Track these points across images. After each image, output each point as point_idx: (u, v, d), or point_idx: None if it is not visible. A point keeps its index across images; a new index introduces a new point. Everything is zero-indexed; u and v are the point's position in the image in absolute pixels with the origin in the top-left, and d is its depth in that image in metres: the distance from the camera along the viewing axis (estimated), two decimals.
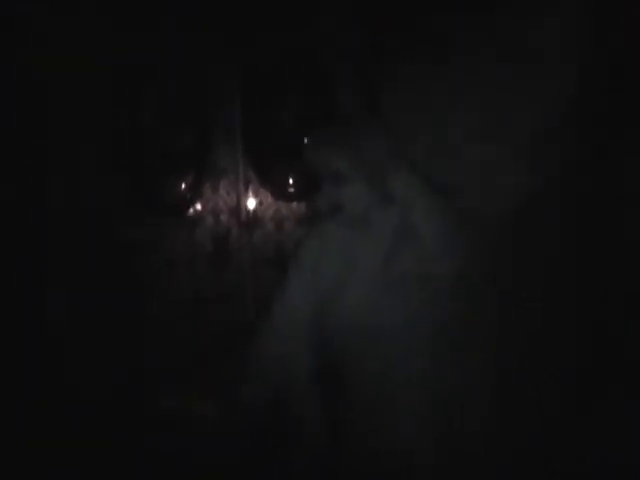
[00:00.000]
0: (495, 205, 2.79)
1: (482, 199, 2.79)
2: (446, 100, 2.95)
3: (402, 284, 1.83)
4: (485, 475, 1.88)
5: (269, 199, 3.24)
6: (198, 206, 3.10)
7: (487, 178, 2.81)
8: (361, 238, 1.91)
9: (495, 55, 2.87)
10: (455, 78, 2.93)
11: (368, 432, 1.88)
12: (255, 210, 3.22)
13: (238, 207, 3.20)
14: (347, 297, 1.88)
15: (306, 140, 1.90)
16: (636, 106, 2.66)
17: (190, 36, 2.99)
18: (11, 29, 2.40)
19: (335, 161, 1.84)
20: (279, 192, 3.24)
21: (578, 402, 2.52)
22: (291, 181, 3.21)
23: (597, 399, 2.48)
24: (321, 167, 1.88)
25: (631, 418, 2.31)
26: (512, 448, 2.05)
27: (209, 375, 2.77)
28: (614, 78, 2.72)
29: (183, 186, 3.03)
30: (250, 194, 3.22)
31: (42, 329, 2.43)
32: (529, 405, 2.47)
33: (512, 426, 2.07)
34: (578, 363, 2.69)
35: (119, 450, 2.52)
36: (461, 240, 1.83)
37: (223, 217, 3.18)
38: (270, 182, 3.21)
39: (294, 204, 3.27)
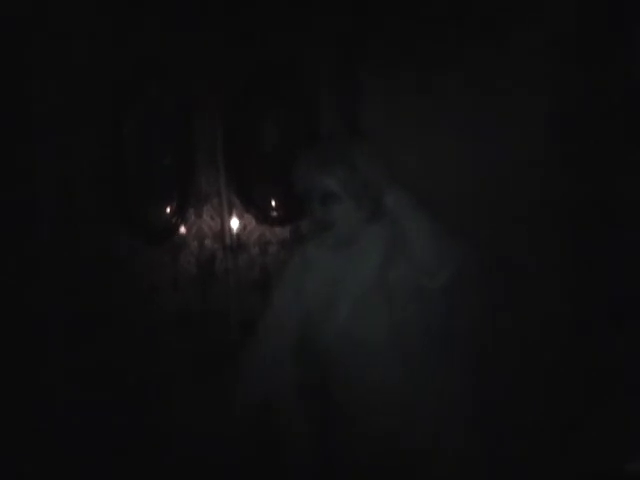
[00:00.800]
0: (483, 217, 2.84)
1: (471, 211, 2.83)
2: (430, 116, 3.00)
3: (389, 303, 1.85)
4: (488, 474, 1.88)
5: (253, 223, 3.26)
6: (182, 231, 3.10)
7: (472, 190, 2.86)
8: (348, 257, 1.94)
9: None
10: (438, 94, 2.99)
11: (357, 447, 1.88)
12: (239, 234, 3.23)
13: (222, 232, 3.20)
14: (333, 317, 1.90)
15: (292, 161, 1.93)
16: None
17: (170, 62, 3.00)
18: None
19: (323, 180, 1.86)
20: (263, 216, 3.27)
21: (575, 413, 2.54)
22: (274, 205, 3.24)
23: (596, 408, 2.50)
24: (309, 186, 1.90)
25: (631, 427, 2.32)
26: (505, 458, 2.07)
27: (194, 396, 2.76)
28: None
29: (167, 211, 3.03)
30: (234, 218, 3.23)
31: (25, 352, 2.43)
32: (521, 415, 2.49)
33: (504, 437, 2.09)
34: (573, 373, 2.72)
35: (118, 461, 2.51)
36: (450, 255, 1.84)
37: (207, 242, 3.18)
38: (254, 206, 3.24)
39: (278, 228, 3.29)
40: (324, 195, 1.88)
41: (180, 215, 3.07)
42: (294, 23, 3.18)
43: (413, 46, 3.13)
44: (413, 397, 1.86)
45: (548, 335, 2.92)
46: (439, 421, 1.87)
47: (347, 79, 3.27)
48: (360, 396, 1.89)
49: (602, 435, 2.48)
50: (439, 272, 1.85)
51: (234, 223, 3.23)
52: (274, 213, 3.28)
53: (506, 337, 2.26)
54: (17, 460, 2.26)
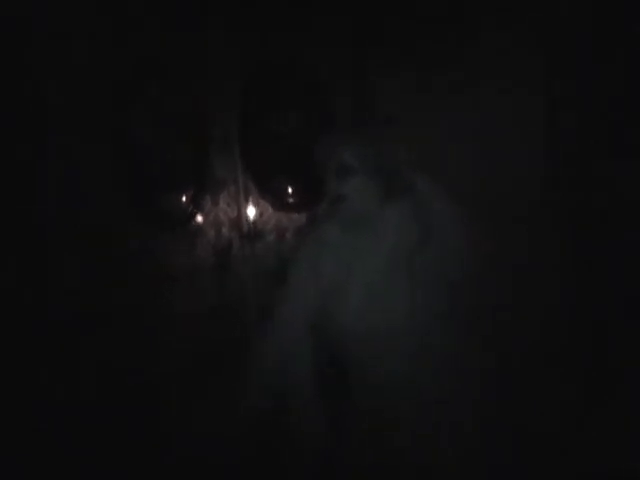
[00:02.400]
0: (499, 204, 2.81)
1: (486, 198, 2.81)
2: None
3: (408, 286, 1.82)
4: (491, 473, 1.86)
5: (270, 210, 3.24)
6: (199, 219, 3.09)
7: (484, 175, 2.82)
8: (364, 239, 1.91)
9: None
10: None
11: (373, 435, 1.86)
12: (256, 221, 3.21)
13: (239, 219, 3.19)
14: (350, 302, 1.87)
15: (310, 143, 1.93)
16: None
17: (187, 49, 3.00)
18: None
19: (339, 153, 1.85)
20: (279, 203, 3.24)
21: (580, 408, 2.51)
22: (291, 191, 3.22)
23: (599, 405, 2.47)
24: (325, 160, 1.88)
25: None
26: (518, 447, 2.04)
27: (211, 386, 2.76)
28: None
29: (184, 199, 3.03)
30: (250, 206, 3.22)
31: (40, 340, 2.44)
32: (521, 414, 2.46)
33: (518, 425, 2.06)
34: (573, 373, 2.69)
35: (118, 461, 2.51)
36: (467, 235, 1.82)
37: (224, 229, 3.17)
38: (270, 193, 3.22)
39: (295, 214, 3.27)
40: (339, 168, 1.87)
41: (196, 203, 3.07)
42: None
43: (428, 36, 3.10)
44: (429, 382, 1.84)
45: (548, 335, 2.90)
46: (460, 404, 1.84)
47: (362, 65, 3.24)
48: (377, 382, 1.87)
49: (602, 435, 2.46)
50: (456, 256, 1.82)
51: (251, 210, 3.21)
52: (291, 200, 3.26)
53: (506, 337, 2.23)
54: (17, 460, 2.27)
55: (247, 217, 3.20)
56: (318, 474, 1.97)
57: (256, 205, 3.23)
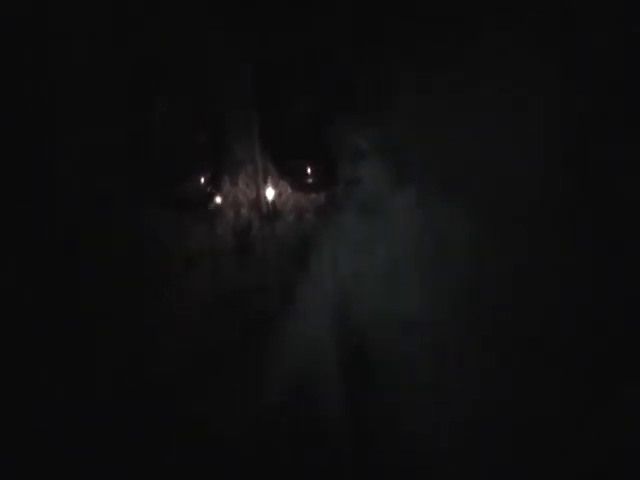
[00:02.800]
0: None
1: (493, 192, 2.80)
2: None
3: (421, 269, 1.82)
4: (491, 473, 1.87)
5: (288, 190, 3.23)
6: (218, 200, 3.10)
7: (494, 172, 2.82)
8: (381, 223, 1.91)
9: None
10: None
11: (394, 418, 1.87)
12: (275, 202, 3.21)
13: (258, 199, 3.19)
14: (368, 284, 1.88)
15: (326, 125, 1.92)
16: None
17: (205, 32, 2.99)
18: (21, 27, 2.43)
19: (353, 137, 1.85)
20: (298, 183, 3.24)
21: (580, 408, 2.51)
22: (309, 171, 3.21)
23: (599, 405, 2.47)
24: (339, 144, 1.88)
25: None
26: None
27: (233, 370, 2.78)
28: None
29: (202, 180, 3.03)
30: (269, 186, 3.21)
31: (60, 323, 2.47)
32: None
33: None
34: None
35: (139, 450, 2.54)
36: (476, 223, 1.81)
37: (243, 210, 3.18)
38: (289, 173, 3.21)
39: (313, 195, 3.26)
40: (353, 153, 1.87)
41: (215, 184, 3.08)
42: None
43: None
44: (444, 372, 1.84)
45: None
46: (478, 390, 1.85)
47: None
48: (395, 366, 1.88)
49: (602, 435, 2.46)
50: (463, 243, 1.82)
51: (269, 191, 3.21)
52: (309, 180, 3.24)
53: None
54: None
55: (266, 198, 3.20)
56: (334, 461, 1.99)
57: (275, 185, 3.22)
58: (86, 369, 2.54)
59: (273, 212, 3.20)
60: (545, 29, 2.92)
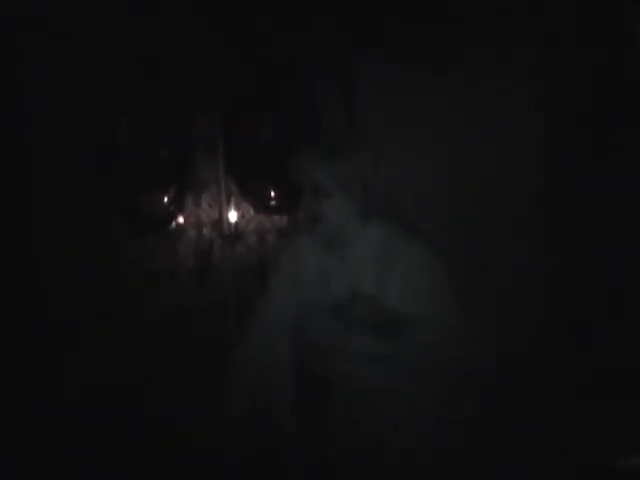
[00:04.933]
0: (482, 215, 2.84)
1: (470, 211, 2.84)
2: (427, 116, 3.01)
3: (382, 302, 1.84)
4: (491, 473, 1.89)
5: (251, 212, 3.25)
6: (180, 219, 3.10)
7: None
8: (341, 252, 1.93)
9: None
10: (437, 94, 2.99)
11: (354, 440, 1.88)
12: (237, 223, 3.23)
13: (220, 220, 3.20)
14: (329, 306, 1.89)
15: (290, 151, 1.93)
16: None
17: (170, 52, 3.00)
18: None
19: (315, 173, 1.86)
20: (261, 205, 3.26)
21: (579, 408, 2.55)
22: (273, 194, 3.23)
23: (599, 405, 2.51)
24: (302, 180, 1.89)
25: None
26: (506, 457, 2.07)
27: (191, 386, 2.77)
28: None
29: (165, 199, 3.03)
30: (232, 207, 3.23)
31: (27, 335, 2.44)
32: (521, 415, 2.50)
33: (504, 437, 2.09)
34: (574, 373, 2.72)
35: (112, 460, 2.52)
36: (439, 258, 1.84)
37: (205, 230, 3.19)
38: (252, 195, 3.23)
39: (276, 217, 3.28)
40: (315, 188, 1.88)
41: (178, 203, 3.08)
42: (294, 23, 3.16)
43: (411, 46, 3.11)
44: (403, 397, 1.87)
45: (548, 335, 2.93)
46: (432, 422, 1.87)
47: (345, 78, 3.26)
48: (357, 387, 1.90)
49: (602, 435, 2.49)
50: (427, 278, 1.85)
51: (232, 211, 3.22)
52: (272, 202, 3.27)
53: (505, 336, 2.25)
54: (17, 460, 2.28)
55: (228, 218, 3.21)
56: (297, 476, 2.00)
57: (238, 206, 3.24)
58: (53, 378, 2.52)
59: (235, 233, 3.22)
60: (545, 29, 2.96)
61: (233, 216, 3.22)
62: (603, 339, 2.86)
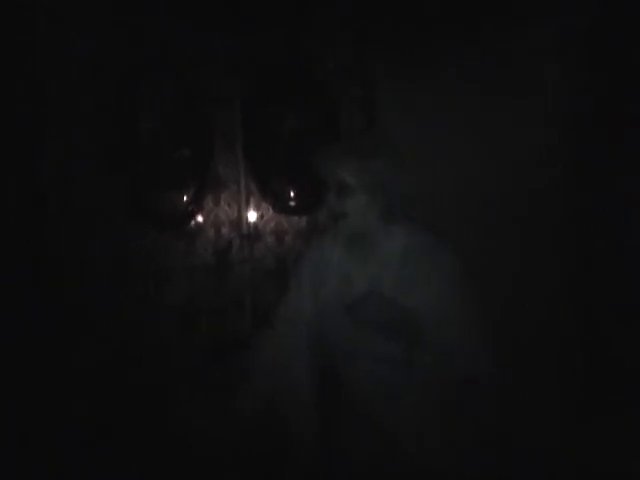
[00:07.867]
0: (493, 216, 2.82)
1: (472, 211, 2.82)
2: (445, 114, 2.99)
3: (402, 303, 1.82)
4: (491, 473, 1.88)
5: (270, 212, 3.25)
6: (199, 218, 3.10)
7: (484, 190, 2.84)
8: (363, 252, 1.92)
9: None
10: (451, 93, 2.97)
11: (368, 444, 1.87)
12: (256, 223, 3.22)
13: (239, 220, 3.19)
14: (349, 307, 1.88)
15: (311, 151, 1.92)
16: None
17: (190, 49, 3.00)
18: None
19: (339, 171, 1.85)
20: (280, 205, 3.25)
21: (580, 409, 2.52)
22: (292, 194, 3.22)
23: (597, 409, 2.48)
24: (325, 177, 1.88)
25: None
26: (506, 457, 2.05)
27: (207, 386, 2.76)
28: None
29: (185, 198, 3.03)
30: (251, 207, 3.22)
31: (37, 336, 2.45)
32: (521, 415, 2.47)
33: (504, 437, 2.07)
34: (574, 373, 2.69)
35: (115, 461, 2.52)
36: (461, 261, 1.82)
37: (224, 230, 3.18)
38: (271, 195, 3.22)
39: (295, 218, 3.28)
40: (339, 187, 1.87)
41: (197, 202, 3.08)
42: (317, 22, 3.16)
43: (427, 47, 3.10)
44: (419, 402, 1.85)
45: (548, 335, 2.91)
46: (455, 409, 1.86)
47: (364, 74, 3.25)
48: (374, 389, 1.88)
49: (602, 435, 2.47)
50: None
51: (251, 211, 3.22)
52: (291, 203, 3.26)
53: (505, 337, 2.23)
54: (18, 460, 2.28)
55: (247, 218, 3.21)
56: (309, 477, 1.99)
57: (257, 206, 3.23)
58: (66, 378, 2.52)
59: (254, 233, 3.21)
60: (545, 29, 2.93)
61: (252, 216, 3.21)
62: (613, 340, 2.83)
